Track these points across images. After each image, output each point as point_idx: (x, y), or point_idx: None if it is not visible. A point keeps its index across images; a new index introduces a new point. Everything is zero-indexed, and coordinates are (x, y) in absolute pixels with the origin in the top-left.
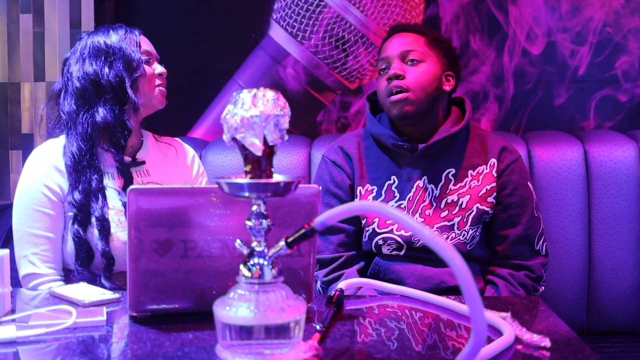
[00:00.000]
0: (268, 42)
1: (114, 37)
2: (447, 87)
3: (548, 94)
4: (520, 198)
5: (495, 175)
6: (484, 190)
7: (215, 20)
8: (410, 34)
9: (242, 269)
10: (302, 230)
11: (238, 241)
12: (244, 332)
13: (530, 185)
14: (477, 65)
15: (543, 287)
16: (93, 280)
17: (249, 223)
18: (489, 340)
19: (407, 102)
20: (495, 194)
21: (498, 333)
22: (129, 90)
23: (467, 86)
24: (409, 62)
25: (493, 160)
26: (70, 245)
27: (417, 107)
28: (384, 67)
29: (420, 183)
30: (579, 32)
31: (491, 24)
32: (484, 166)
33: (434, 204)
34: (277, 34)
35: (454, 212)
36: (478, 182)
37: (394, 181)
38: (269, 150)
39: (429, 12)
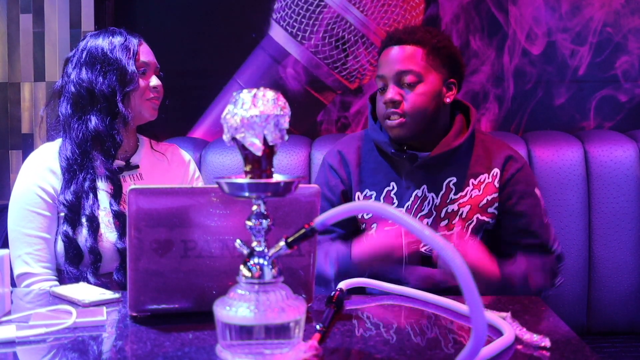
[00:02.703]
0: (268, 42)
1: (112, 45)
2: (448, 99)
3: (548, 94)
4: (528, 207)
5: (497, 185)
6: (484, 201)
7: (215, 20)
8: (407, 46)
9: (242, 269)
10: (302, 230)
11: (238, 241)
12: (244, 332)
13: (537, 192)
14: (477, 65)
15: (562, 280)
16: (81, 280)
17: (249, 223)
18: (489, 340)
19: (403, 127)
20: (496, 204)
21: (498, 333)
22: (120, 105)
23: (467, 86)
24: (405, 85)
25: (496, 170)
26: (60, 245)
27: (414, 131)
28: (381, 85)
29: (418, 192)
30: (579, 32)
31: (491, 24)
32: (486, 175)
33: (434, 213)
34: (277, 34)
35: (453, 222)
36: (479, 191)
37: (393, 187)
38: (269, 150)
39: (429, 12)
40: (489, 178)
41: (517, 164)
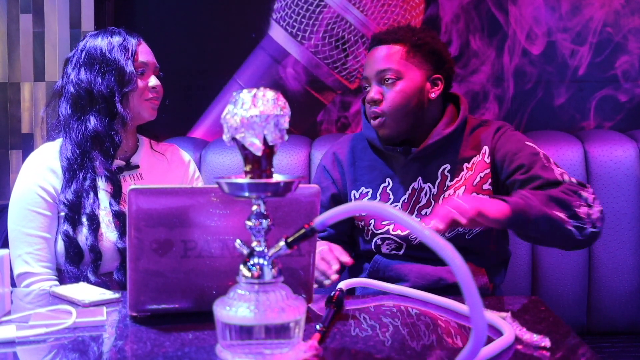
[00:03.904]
0: (268, 42)
1: (110, 45)
2: (433, 95)
3: (548, 94)
4: (524, 158)
5: (487, 161)
6: (477, 179)
7: (215, 20)
8: (387, 46)
9: (242, 269)
10: (302, 230)
11: (238, 241)
12: (244, 332)
13: (530, 143)
14: (477, 65)
15: (593, 196)
16: (81, 279)
17: (249, 223)
18: (489, 340)
19: (384, 126)
20: (490, 180)
21: (498, 333)
22: (118, 105)
23: (467, 86)
24: (386, 82)
25: (485, 148)
26: (60, 244)
27: (395, 129)
28: (365, 85)
29: (415, 184)
30: (579, 32)
31: (491, 24)
32: (477, 156)
33: (433, 202)
34: (277, 34)
35: None
36: (472, 171)
37: (389, 183)
38: (269, 150)
39: (429, 12)
40: (479, 157)
41: (501, 131)
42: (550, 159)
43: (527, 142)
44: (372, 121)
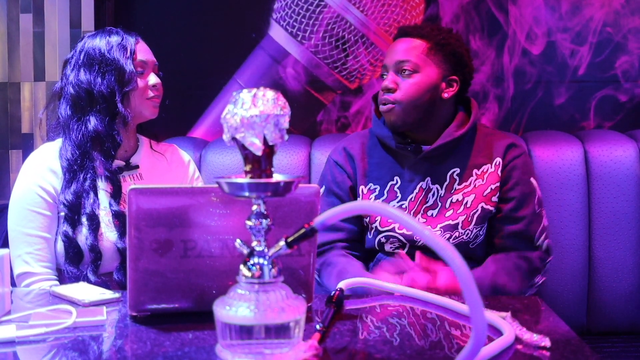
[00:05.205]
0: (268, 42)
1: (109, 45)
2: (446, 95)
3: (548, 94)
4: (521, 193)
5: (499, 174)
6: (488, 190)
7: (215, 20)
8: (411, 39)
9: (242, 268)
10: (302, 230)
11: (238, 241)
12: (244, 332)
13: (533, 181)
14: (477, 65)
15: (543, 279)
16: (81, 279)
17: (249, 223)
18: (489, 340)
19: (393, 113)
20: (498, 192)
21: (498, 333)
22: (119, 105)
23: None
24: (402, 73)
25: (498, 159)
26: (60, 245)
27: (404, 119)
28: (383, 73)
29: (423, 184)
30: (579, 32)
31: (491, 24)
32: (489, 165)
33: (439, 204)
34: (277, 34)
35: (458, 212)
36: (483, 181)
37: (397, 181)
38: (269, 150)
39: (429, 12)
40: (491, 167)
41: (517, 151)
42: (542, 204)
43: (531, 179)
44: (382, 107)
